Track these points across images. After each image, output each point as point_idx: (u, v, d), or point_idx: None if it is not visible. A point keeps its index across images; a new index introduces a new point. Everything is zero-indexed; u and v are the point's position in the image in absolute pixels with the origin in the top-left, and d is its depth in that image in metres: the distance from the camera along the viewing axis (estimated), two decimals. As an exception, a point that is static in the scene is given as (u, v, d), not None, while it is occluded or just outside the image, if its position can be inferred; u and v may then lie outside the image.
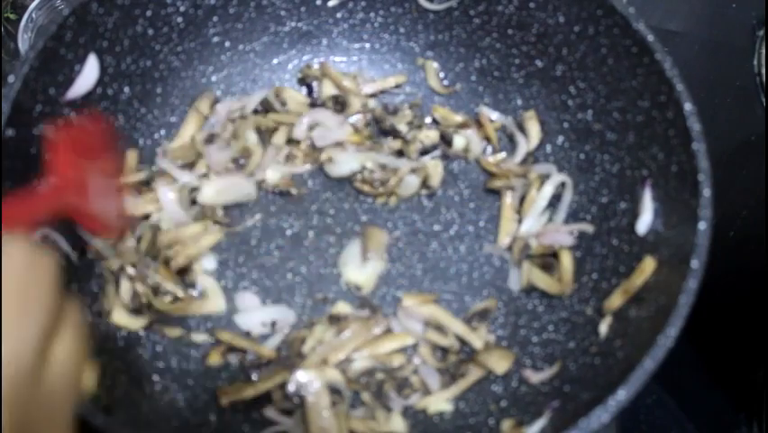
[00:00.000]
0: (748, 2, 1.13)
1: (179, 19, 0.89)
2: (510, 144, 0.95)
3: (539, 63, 0.91)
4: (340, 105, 0.95)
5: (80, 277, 0.79)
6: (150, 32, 0.87)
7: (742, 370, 0.93)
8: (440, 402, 0.82)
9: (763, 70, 1.09)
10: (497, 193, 0.93)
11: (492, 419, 0.79)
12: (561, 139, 0.92)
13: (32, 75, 0.74)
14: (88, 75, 0.81)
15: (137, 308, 0.82)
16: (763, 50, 1.10)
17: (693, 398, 0.92)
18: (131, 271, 0.82)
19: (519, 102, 0.95)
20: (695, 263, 0.68)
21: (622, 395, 0.64)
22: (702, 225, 0.70)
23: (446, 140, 0.94)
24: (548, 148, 0.93)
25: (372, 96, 0.98)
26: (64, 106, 0.79)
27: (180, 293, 0.85)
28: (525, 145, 0.92)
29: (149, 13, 0.86)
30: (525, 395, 0.80)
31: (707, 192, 0.71)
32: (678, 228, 0.74)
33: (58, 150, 0.67)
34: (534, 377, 0.80)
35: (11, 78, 0.73)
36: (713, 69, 1.10)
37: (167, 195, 0.87)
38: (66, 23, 0.77)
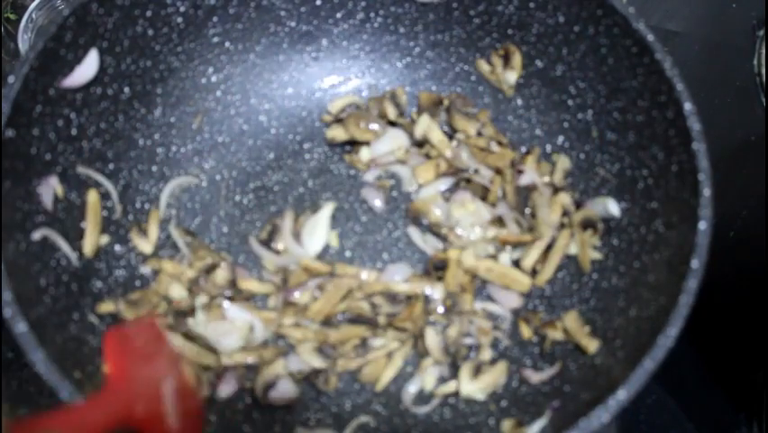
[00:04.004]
0: (748, 2, 1.13)
1: (179, 19, 0.88)
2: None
3: (539, 63, 0.91)
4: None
5: (80, 277, 0.79)
6: (150, 32, 0.87)
7: (742, 370, 0.93)
8: (475, 388, 0.82)
9: (763, 70, 1.09)
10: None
11: (492, 419, 0.79)
12: (561, 139, 0.92)
13: (32, 75, 0.74)
14: (89, 65, 0.81)
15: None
16: (763, 50, 1.10)
17: (693, 398, 0.92)
18: None
19: (519, 102, 0.95)
20: (695, 263, 0.68)
21: (622, 395, 0.64)
22: (702, 225, 0.69)
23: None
24: (548, 148, 0.93)
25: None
26: (65, 107, 0.79)
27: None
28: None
29: (149, 13, 0.85)
30: (526, 395, 0.80)
31: (707, 192, 0.71)
32: (678, 228, 0.73)
33: (110, 359, 0.70)
34: (535, 377, 0.80)
35: (11, 79, 0.73)
36: (713, 69, 1.10)
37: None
38: (66, 23, 0.77)
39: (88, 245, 0.82)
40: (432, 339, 0.83)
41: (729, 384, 0.93)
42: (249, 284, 0.88)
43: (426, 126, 0.93)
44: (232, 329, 0.85)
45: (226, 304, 0.86)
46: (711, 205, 0.70)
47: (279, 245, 0.90)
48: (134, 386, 0.68)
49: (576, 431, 0.63)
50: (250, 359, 0.84)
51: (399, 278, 0.87)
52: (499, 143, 0.93)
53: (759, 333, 0.91)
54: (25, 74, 0.74)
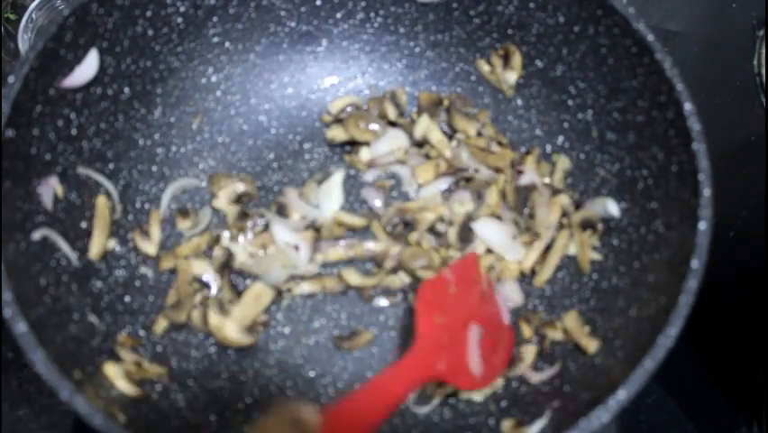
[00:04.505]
0: (748, 2, 1.13)
1: (179, 19, 0.88)
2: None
3: (539, 63, 0.91)
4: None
5: (80, 277, 0.79)
6: (150, 32, 0.87)
7: (742, 370, 0.93)
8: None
9: (763, 70, 1.09)
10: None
11: (492, 419, 0.78)
12: (561, 139, 0.92)
13: (32, 75, 0.74)
14: (89, 65, 0.81)
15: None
16: (763, 50, 1.10)
17: (693, 398, 0.92)
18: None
19: (519, 102, 0.95)
20: (695, 263, 0.68)
21: (622, 395, 0.63)
22: (702, 225, 0.69)
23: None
24: (548, 148, 0.93)
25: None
26: (65, 107, 0.79)
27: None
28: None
29: (149, 13, 0.85)
30: (526, 395, 0.80)
31: (707, 192, 0.71)
32: (678, 228, 0.73)
33: (419, 314, 0.78)
34: (535, 377, 0.80)
35: (11, 79, 0.72)
36: (713, 69, 1.10)
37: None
38: (66, 23, 0.77)
39: (95, 249, 0.83)
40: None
41: (729, 384, 0.92)
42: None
43: (426, 127, 0.93)
44: (272, 260, 0.88)
45: (270, 217, 0.90)
46: (711, 205, 0.70)
47: (295, 215, 0.90)
48: (440, 340, 0.77)
49: (576, 431, 0.63)
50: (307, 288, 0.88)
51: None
52: (499, 144, 0.93)
53: (759, 333, 0.91)
54: (25, 74, 0.73)
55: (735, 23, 1.13)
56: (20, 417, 0.62)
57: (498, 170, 0.92)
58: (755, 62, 1.10)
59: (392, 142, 0.95)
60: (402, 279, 0.89)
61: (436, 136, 0.93)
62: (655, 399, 0.91)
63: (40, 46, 0.75)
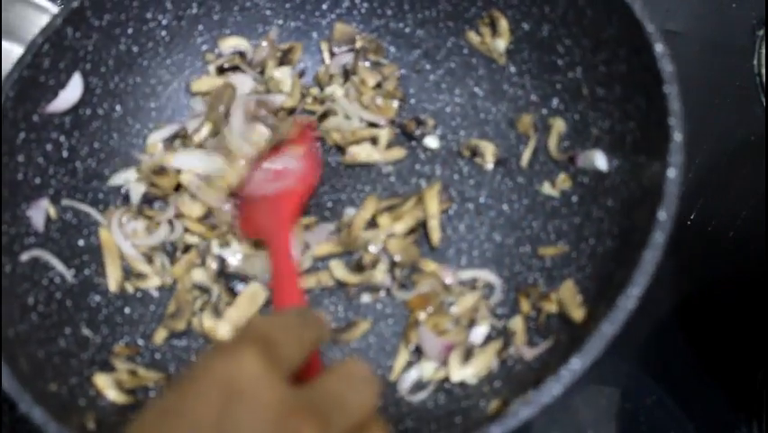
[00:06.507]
0: (748, 2, 1.10)
1: (163, 32, 0.90)
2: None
3: (525, 26, 0.87)
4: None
5: (75, 294, 0.81)
6: (135, 48, 0.88)
7: (742, 370, 0.89)
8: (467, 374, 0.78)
9: (763, 70, 1.05)
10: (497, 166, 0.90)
11: (484, 401, 0.74)
12: (555, 102, 0.86)
13: (9, 104, 0.76)
14: (73, 89, 0.82)
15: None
16: (763, 50, 1.06)
17: (693, 398, 0.88)
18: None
19: (513, 69, 0.90)
20: (662, 215, 0.62)
21: (576, 364, 0.58)
22: (672, 173, 0.64)
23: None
24: (544, 111, 0.88)
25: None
26: (52, 131, 0.81)
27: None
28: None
29: (130, 30, 0.87)
30: (518, 373, 0.75)
31: (677, 137, 0.65)
32: (654, 179, 0.67)
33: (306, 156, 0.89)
34: (529, 353, 0.76)
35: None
36: (713, 69, 1.07)
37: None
38: (41, 51, 0.78)
39: (113, 283, 0.84)
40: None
41: (729, 384, 0.89)
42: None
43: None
44: (264, 259, 0.87)
45: None
46: (683, 151, 0.64)
47: None
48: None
49: (528, 406, 0.58)
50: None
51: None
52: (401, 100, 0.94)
53: (759, 332, 0.87)
54: (3, 104, 0.75)
55: (735, 23, 1.10)
56: (20, 417, 0.63)
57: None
58: (755, 62, 1.06)
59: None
60: (383, 274, 0.86)
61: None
62: (655, 399, 0.88)
63: (15, 76, 0.77)
